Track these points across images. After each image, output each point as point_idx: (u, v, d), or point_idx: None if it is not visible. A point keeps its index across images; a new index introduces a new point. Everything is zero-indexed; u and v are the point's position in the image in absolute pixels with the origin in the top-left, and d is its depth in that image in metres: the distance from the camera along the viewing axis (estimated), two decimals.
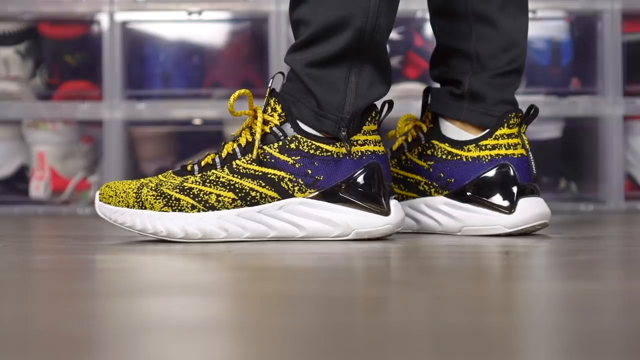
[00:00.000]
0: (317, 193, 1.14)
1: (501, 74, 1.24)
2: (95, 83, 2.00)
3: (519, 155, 1.22)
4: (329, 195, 1.14)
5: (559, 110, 1.94)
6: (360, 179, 1.15)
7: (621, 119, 1.93)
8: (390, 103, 1.18)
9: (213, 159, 1.16)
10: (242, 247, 1.11)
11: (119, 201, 1.15)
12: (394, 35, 1.96)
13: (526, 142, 1.23)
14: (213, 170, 1.15)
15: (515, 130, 1.22)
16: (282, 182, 1.14)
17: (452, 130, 1.25)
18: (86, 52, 2.02)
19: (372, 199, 1.15)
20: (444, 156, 1.24)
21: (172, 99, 1.99)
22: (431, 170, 1.24)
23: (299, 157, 1.14)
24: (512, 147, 1.22)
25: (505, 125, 1.22)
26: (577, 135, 2.05)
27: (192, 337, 0.58)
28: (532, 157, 1.23)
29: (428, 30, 1.96)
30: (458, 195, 1.22)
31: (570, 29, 2.04)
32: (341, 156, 1.15)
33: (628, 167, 1.99)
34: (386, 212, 1.15)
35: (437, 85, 1.30)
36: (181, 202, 1.14)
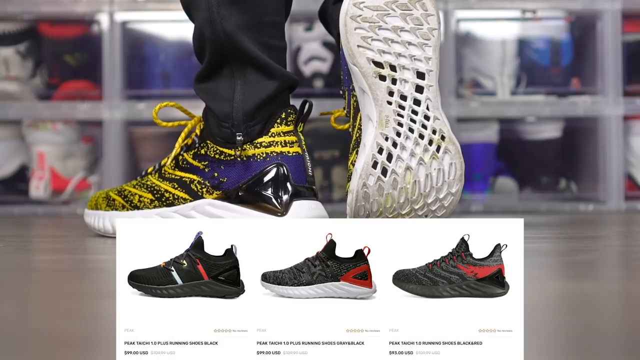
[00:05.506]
0: (221, 194, 1.18)
1: None
2: (95, 83, 2.00)
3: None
4: (231, 196, 1.17)
5: (559, 110, 1.94)
6: (259, 180, 1.16)
7: (621, 119, 1.93)
8: (308, 103, 1.19)
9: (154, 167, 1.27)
10: None
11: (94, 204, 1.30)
12: None
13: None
14: (149, 176, 1.24)
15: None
16: (192, 185, 1.20)
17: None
18: (86, 52, 2.02)
19: (267, 199, 1.16)
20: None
21: (172, 99, 1.99)
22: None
23: (207, 162, 1.19)
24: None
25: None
26: (577, 135, 2.05)
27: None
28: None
29: None
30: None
31: (570, 29, 2.04)
32: (245, 159, 1.17)
33: (628, 167, 1.99)
34: (282, 213, 1.15)
35: None
36: (115, 202, 1.26)
